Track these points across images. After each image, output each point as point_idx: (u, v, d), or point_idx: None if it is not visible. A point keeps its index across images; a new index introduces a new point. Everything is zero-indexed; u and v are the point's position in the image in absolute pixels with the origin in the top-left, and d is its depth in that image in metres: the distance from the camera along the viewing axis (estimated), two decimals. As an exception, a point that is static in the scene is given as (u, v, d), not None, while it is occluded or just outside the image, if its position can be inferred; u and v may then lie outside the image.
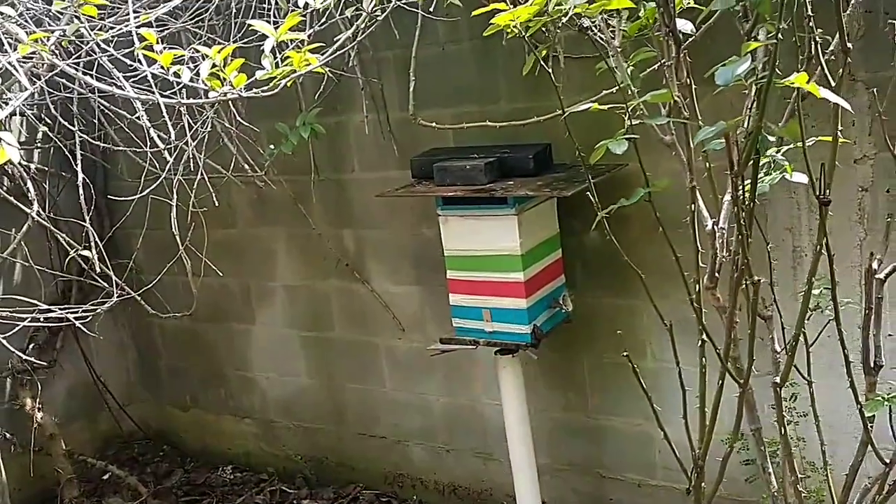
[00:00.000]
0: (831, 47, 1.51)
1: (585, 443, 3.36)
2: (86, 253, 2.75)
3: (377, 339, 3.79)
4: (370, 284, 3.70)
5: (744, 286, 1.59)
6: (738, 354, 1.80)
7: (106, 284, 3.03)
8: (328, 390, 4.03)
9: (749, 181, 1.42)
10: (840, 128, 1.53)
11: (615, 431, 3.27)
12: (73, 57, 2.77)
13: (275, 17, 2.85)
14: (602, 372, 3.24)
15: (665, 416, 2.01)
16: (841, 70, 1.44)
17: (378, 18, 2.49)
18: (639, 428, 3.18)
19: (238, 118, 3.39)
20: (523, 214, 2.84)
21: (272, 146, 3.42)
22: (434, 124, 3.07)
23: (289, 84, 2.14)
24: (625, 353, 1.85)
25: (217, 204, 3.40)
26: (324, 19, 2.69)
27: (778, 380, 1.69)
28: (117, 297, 3.00)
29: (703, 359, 1.77)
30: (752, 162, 1.39)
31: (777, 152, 1.56)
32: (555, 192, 2.77)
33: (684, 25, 1.65)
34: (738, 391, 1.73)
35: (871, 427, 1.73)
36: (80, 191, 3.10)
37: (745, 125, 1.43)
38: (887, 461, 1.80)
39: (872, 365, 1.72)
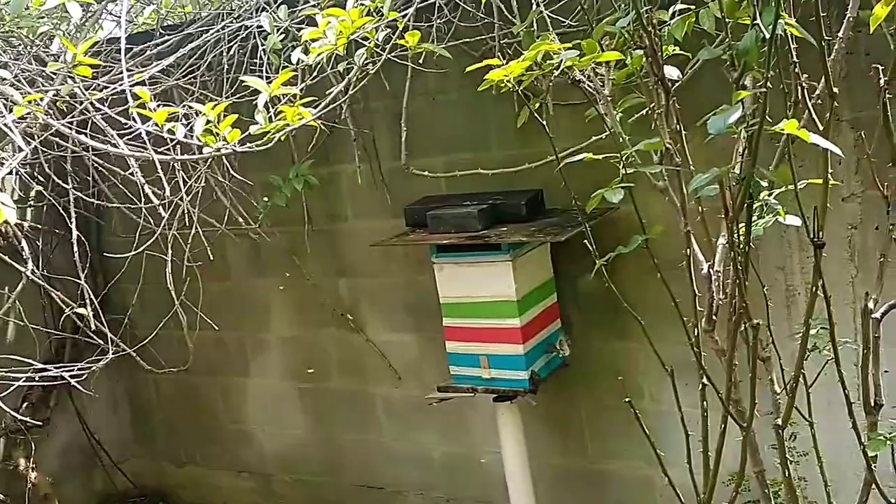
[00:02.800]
0: (817, 91, 1.54)
1: (586, 488, 3.33)
2: (81, 311, 2.75)
3: (374, 388, 3.77)
4: (366, 333, 3.69)
5: (742, 329, 1.59)
6: (739, 397, 1.80)
7: (101, 341, 3.02)
8: (326, 442, 4.00)
9: (743, 225, 1.44)
10: (829, 170, 1.55)
11: (616, 476, 3.25)
12: (68, 116, 2.80)
13: (267, 72, 2.88)
14: (601, 416, 3.22)
15: (664, 460, 2.00)
16: (828, 114, 1.47)
17: (369, 72, 2.53)
18: (640, 472, 3.16)
19: (231, 171, 3.41)
20: (518, 260, 2.86)
21: (266, 198, 3.44)
22: (426, 173, 3.10)
23: (282, 138, 2.16)
24: (627, 399, 1.84)
25: (212, 257, 3.41)
26: (315, 73, 2.74)
27: (780, 421, 1.69)
28: (112, 353, 2.99)
29: (705, 402, 1.77)
30: (745, 206, 1.41)
31: (769, 196, 1.59)
32: (548, 237, 2.79)
33: (671, 72, 1.68)
34: (740, 433, 1.73)
35: (875, 466, 1.72)
36: (75, 248, 3.10)
37: (737, 170, 1.45)
38: (892, 500, 1.79)
39: (873, 404, 1.73)
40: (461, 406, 3.41)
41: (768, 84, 1.29)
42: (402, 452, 3.77)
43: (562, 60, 1.54)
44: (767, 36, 1.25)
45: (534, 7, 2.38)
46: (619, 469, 3.23)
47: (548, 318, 3.04)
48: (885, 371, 2.63)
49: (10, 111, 2.23)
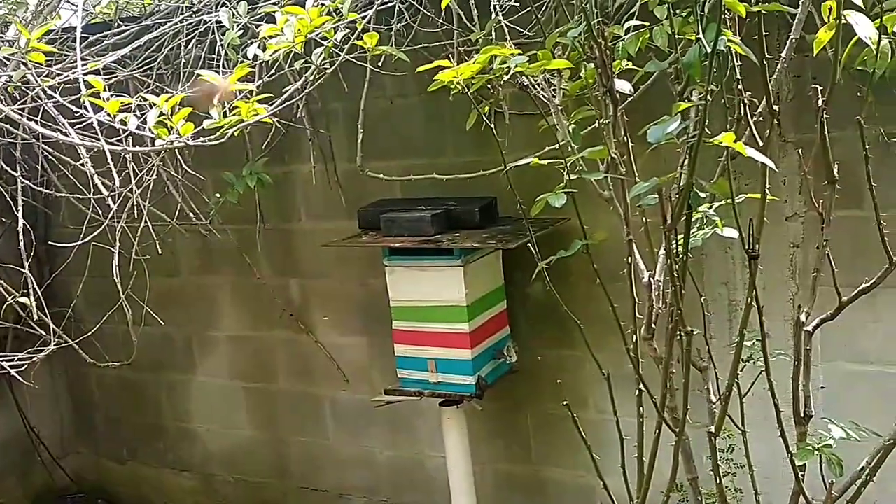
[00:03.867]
0: (759, 109, 1.59)
1: (529, 494, 3.36)
2: (23, 300, 2.70)
3: (322, 390, 3.76)
4: (315, 335, 3.68)
5: (678, 337, 1.63)
6: (676, 405, 1.84)
7: (43, 332, 2.97)
8: (271, 443, 3.97)
9: (682, 235, 1.48)
10: (769, 186, 1.60)
11: (558, 483, 3.28)
12: (19, 102, 2.76)
13: (224, 67, 2.87)
14: (546, 423, 3.26)
15: (607, 467, 2.03)
16: (768, 131, 1.52)
17: (327, 71, 2.53)
18: (581, 479, 3.19)
19: (184, 166, 3.38)
20: (469, 266, 2.88)
21: (218, 195, 3.42)
22: (381, 176, 3.11)
23: (236, 133, 2.16)
24: (564, 403, 1.87)
25: (160, 252, 3.37)
26: (273, 71, 2.73)
27: (712, 429, 1.73)
28: (54, 345, 2.94)
29: (641, 408, 1.81)
30: (684, 217, 1.45)
31: (709, 208, 1.63)
32: (500, 245, 2.82)
33: (623, 85, 1.72)
34: (676, 439, 1.77)
35: (803, 476, 1.77)
36: (20, 237, 3.05)
37: (678, 182, 1.49)
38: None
39: (803, 415, 1.78)
40: (408, 410, 3.41)
41: (709, 98, 1.32)
42: (348, 455, 3.76)
43: (511, 66, 1.57)
44: (709, 51, 1.29)
45: (493, 16, 2.41)
46: (562, 476, 3.26)
47: (497, 324, 3.06)
48: (822, 387, 2.73)
49: (-41, 94, 2.20)
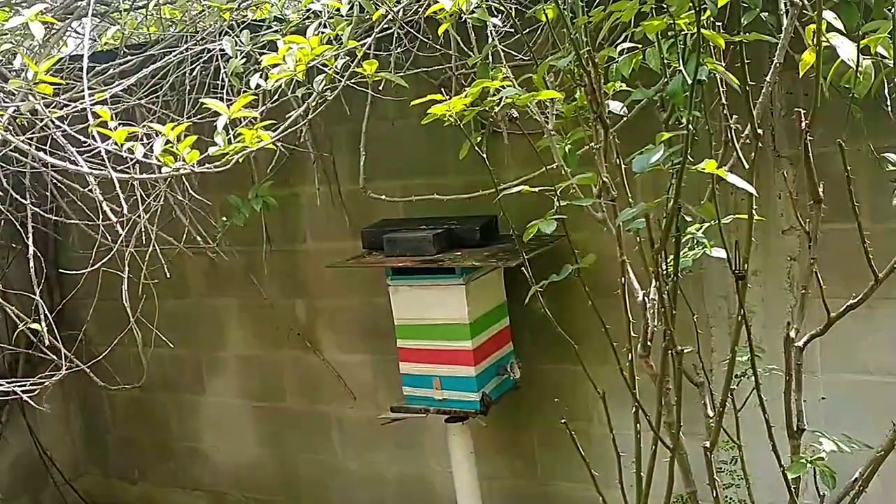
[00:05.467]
0: (745, 132, 1.64)
1: (536, 509, 3.39)
2: (35, 326, 2.75)
3: (329, 408, 3.80)
4: (322, 354, 3.73)
5: (671, 355, 1.67)
6: (672, 420, 1.88)
7: (54, 357, 3.02)
8: (280, 461, 4.01)
9: (672, 257, 1.52)
10: (757, 205, 1.64)
11: (564, 498, 3.31)
12: (28, 132, 2.82)
13: (228, 94, 2.93)
14: (550, 438, 3.29)
15: (609, 481, 2.07)
16: (753, 154, 1.56)
17: (328, 98, 2.59)
18: (587, 493, 3.19)
19: (191, 191, 3.44)
20: (471, 284, 2.93)
21: (224, 218, 3.47)
22: (384, 197, 3.16)
23: (241, 160, 2.21)
24: (563, 421, 1.91)
25: (169, 275, 3.42)
26: (276, 97, 2.79)
27: (707, 444, 1.77)
28: (66, 369, 2.99)
29: (638, 424, 1.85)
30: (674, 239, 1.49)
31: (699, 230, 1.67)
32: (501, 263, 2.87)
33: (616, 107, 1.77)
34: (670, 455, 1.81)
35: (796, 490, 1.81)
36: (31, 263, 3.11)
37: (667, 206, 1.53)
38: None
39: (795, 429, 1.81)
40: (414, 427, 3.45)
41: (693, 126, 1.37)
42: (356, 472, 3.80)
43: (503, 97, 1.62)
44: (690, 82, 1.33)
45: (489, 41, 2.47)
46: (567, 490, 3.29)
47: (500, 340, 3.11)
48: (823, 398, 2.76)
49: (-30, 127, 2.26)
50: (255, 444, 4.06)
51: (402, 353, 3.07)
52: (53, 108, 2.66)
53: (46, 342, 2.87)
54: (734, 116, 1.64)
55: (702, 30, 1.31)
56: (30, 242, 3.16)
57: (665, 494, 1.83)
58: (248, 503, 4.16)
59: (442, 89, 2.73)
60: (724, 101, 1.54)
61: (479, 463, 3.15)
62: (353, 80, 2.61)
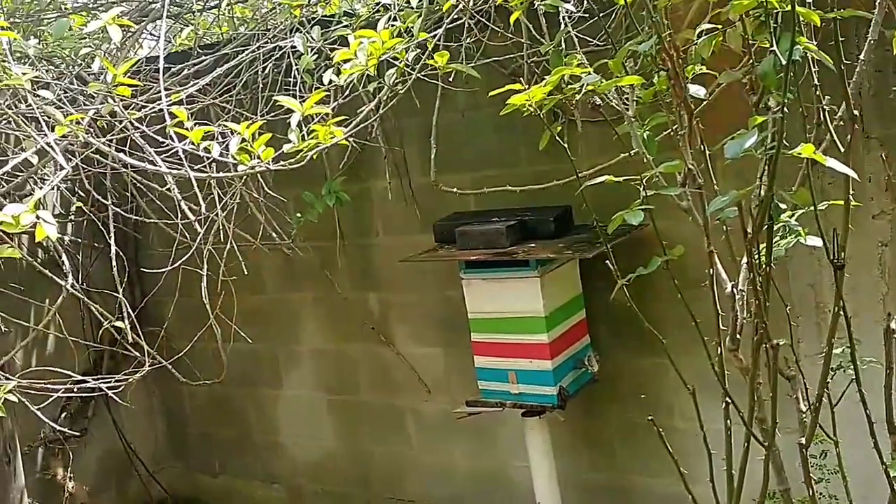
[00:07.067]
0: (839, 113, 1.55)
1: (614, 503, 3.33)
2: (119, 324, 2.82)
3: (403, 401, 3.80)
4: (396, 347, 3.74)
5: (764, 349, 1.60)
6: (764, 416, 1.81)
7: (138, 353, 3.09)
8: (355, 454, 4.04)
9: (764, 246, 1.46)
10: (852, 191, 1.56)
11: (645, 492, 3.24)
12: (107, 134, 2.88)
13: (300, 91, 2.94)
14: (630, 432, 3.22)
15: (695, 477, 2.01)
16: (849, 136, 1.48)
17: (399, 91, 2.57)
18: (670, 489, 3.13)
19: (265, 188, 3.48)
20: (546, 276, 2.88)
21: (299, 214, 3.50)
22: (455, 189, 3.14)
23: (315, 156, 2.22)
24: (650, 418, 1.86)
25: (246, 272, 3.47)
26: (347, 92, 2.79)
27: (803, 440, 1.69)
28: (149, 366, 3.06)
29: (728, 420, 1.78)
30: (766, 228, 1.43)
31: (791, 217, 1.60)
32: (576, 254, 2.81)
33: (697, 91, 1.70)
34: (765, 452, 1.74)
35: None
36: (113, 262, 3.18)
37: (758, 193, 1.46)
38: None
39: (897, 424, 1.73)
40: (490, 420, 3.43)
41: (786, 108, 1.30)
42: (431, 466, 3.80)
43: (583, 84, 1.58)
44: (784, 62, 1.27)
45: (562, 27, 2.41)
46: (649, 485, 3.22)
47: (576, 333, 3.05)
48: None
49: (52, 130, 2.31)
50: (330, 437, 4.09)
51: (476, 347, 3.04)
52: (132, 109, 2.71)
53: (130, 339, 2.94)
54: (826, 97, 1.56)
55: (796, 6, 1.24)
56: (112, 242, 3.25)
57: (760, 493, 1.76)
58: (325, 496, 4.20)
59: (514, 78, 2.69)
60: (815, 81, 1.46)
61: (556, 457, 3.11)
62: (423, 73, 2.60)
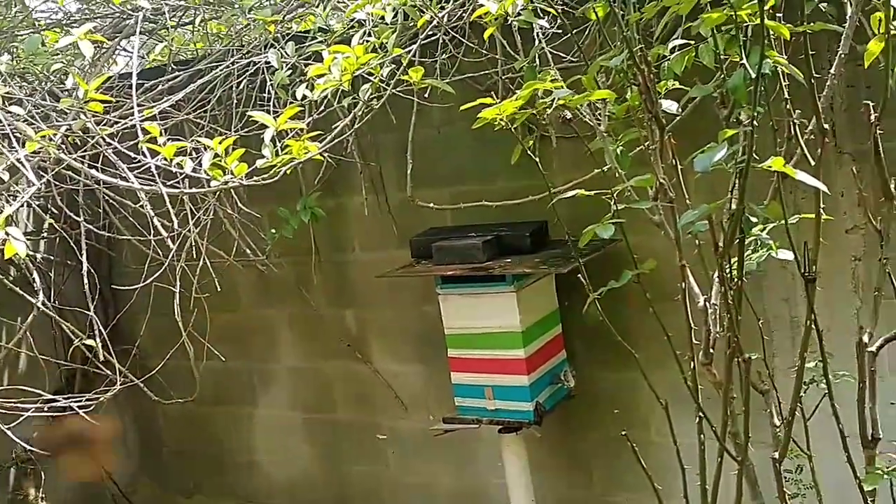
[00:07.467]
0: (810, 127, 1.56)
1: (593, 520, 3.32)
2: (90, 342, 2.78)
3: (380, 418, 3.77)
4: (373, 364, 3.71)
5: (737, 363, 1.60)
6: (738, 430, 1.80)
7: (109, 372, 3.05)
8: (332, 472, 4.00)
9: (736, 260, 1.46)
10: (824, 205, 1.56)
11: (622, 508, 3.23)
12: (80, 150, 2.85)
13: (275, 106, 2.93)
14: (607, 447, 3.22)
15: (670, 492, 2.00)
16: (819, 149, 1.49)
17: (374, 107, 2.57)
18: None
19: (239, 204, 3.45)
20: (522, 291, 2.87)
21: (273, 230, 3.48)
22: (432, 205, 3.13)
23: (289, 172, 2.20)
24: (623, 433, 1.85)
25: (220, 288, 3.44)
26: (322, 107, 2.78)
27: (777, 455, 1.69)
28: (120, 384, 3.01)
29: (702, 435, 1.78)
30: (737, 241, 1.43)
31: (763, 230, 1.60)
32: (552, 269, 2.81)
33: (670, 106, 1.71)
34: (738, 467, 1.73)
35: (873, 501, 1.72)
36: (85, 279, 3.14)
37: (729, 206, 1.47)
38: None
39: (870, 438, 1.73)
40: (467, 437, 3.41)
41: (756, 122, 1.31)
42: (408, 483, 3.77)
43: (555, 99, 1.58)
44: (753, 76, 1.27)
45: (536, 43, 2.42)
46: (626, 501, 3.21)
47: (552, 349, 3.05)
48: (892, 402, 2.64)
49: (23, 146, 2.29)
50: (307, 456, 4.05)
51: (453, 363, 3.03)
52: (104, 125, 2.69)
53: (101, 357, 2.90)
54: (797, 111, 1.57)
55: (765, 20, 1.25)
56: (84, 259, 3.20)
57: (734, 508, 1.76)
58: (302, 515, 4.15)
59: (489, 94, 2.69)
60: (786, 95, 1.47)
61: (534, 473, 3.09)
62: (398, 88, 2.59)
